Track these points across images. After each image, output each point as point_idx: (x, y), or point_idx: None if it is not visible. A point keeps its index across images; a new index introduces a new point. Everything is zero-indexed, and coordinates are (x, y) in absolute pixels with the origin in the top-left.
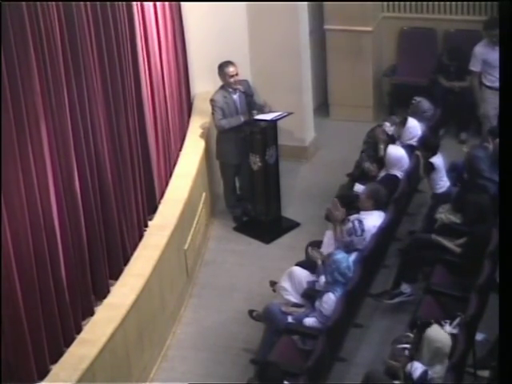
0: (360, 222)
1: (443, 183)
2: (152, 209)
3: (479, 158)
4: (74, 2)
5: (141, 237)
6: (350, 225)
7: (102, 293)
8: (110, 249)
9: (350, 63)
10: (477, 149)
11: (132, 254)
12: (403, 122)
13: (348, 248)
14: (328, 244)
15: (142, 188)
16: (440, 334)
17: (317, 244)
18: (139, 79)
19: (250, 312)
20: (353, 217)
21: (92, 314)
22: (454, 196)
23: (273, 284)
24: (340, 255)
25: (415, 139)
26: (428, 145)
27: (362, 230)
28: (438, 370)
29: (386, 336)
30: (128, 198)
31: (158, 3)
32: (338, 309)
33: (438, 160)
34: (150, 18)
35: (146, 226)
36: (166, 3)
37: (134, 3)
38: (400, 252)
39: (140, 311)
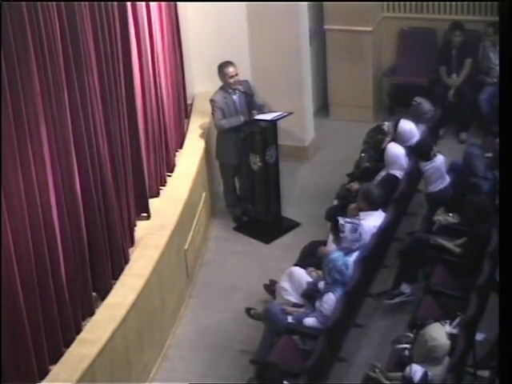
0: (346, 219)
1: (439, 183)
2: (142, 208)
3: (475, 157)
4: (74, 2)
5: (132, 236)
6: (347, 226)
7: (104, 292)
8: (112, 248)
9: (350, 63)
10: (473, 147)
11: (129, 254)
12: (395, 126)
13: (356, 245)
14: (332, 243)
15: (130, 187)
16: (438, 333)
17: (318, 244)
18: (143, 79)
19: (248, 310)
20: (340, 221)
21: (92, 313)
22: (450, 195)
23: (273, 283)
24: (335, 254)
25: (410, 142)
26: (421, 151)
27: (357, 220)
28: (439, 372)
29: (386, 336)
30: (125, 197)
31: (154, 3)
32: (338, 309)
33: (438, 161)
34: (150, 19)
35: (135, 225)
36: (163, 3)
37: (138, 3)
38: (400, 252)
39: (140, 311)
